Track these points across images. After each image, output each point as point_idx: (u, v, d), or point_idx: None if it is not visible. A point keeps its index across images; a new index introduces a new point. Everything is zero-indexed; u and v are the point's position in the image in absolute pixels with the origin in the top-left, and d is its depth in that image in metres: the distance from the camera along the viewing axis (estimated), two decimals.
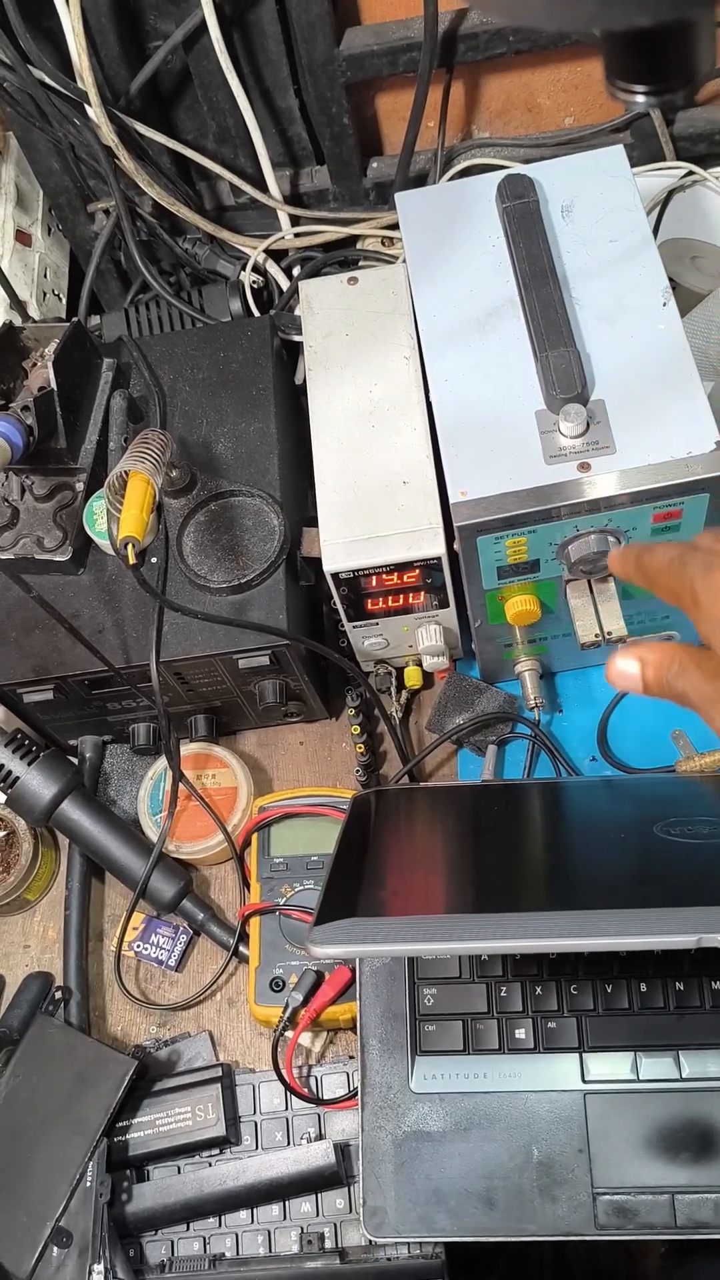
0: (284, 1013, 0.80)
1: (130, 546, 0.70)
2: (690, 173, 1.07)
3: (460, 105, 1.08)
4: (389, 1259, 0.76)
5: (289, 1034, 0.81)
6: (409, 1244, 0.77)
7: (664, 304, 0.79)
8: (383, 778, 0.94)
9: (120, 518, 0.72)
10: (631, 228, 0.83)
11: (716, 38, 0.34)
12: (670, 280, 0.86)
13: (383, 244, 1.07)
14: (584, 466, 0.74)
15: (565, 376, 0.75)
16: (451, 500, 0.75)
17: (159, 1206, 0.80)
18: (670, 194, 1.07)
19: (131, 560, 0.70)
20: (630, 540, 0.77)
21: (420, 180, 1.08)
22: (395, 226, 1.06)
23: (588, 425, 0.75)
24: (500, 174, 0.87)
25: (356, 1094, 0.80)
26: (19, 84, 0.93)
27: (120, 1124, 0.81)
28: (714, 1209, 0.69)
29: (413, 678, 0.93)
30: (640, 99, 0.36)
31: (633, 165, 0.89)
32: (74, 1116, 0.79)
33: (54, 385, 0.84)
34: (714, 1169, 0.70)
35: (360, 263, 1.07)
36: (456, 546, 0.77)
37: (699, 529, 0.77)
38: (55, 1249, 0.76)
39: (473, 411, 0.78)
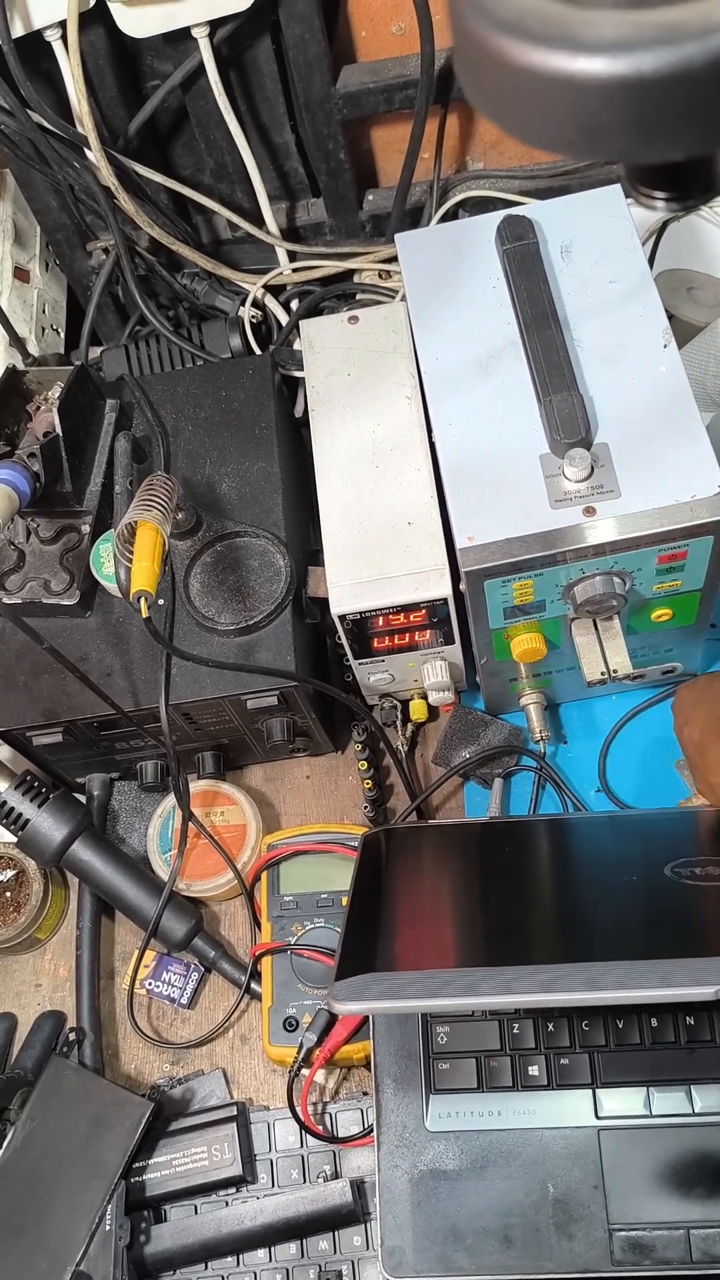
0: (299, 1053, 0.81)
1: (145, 600, 0.71)
2: None
3: (455, 138, 1.09)
4: None
5: (304, 1073, 0.81)
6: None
7: (664, 345, 0.80)
8: (390, 811, 0.95)
9: (131, 570, 0.72)
10: (630, 268, 0.84)
11: None
12: (667, 313, 0.87)
13: (380, 277, 1.08)
14: (589, 510, 0.75)
15: (569, 421, 0.76)
16: (458, 545, 0.75)
17: (177, 1247, 0.80)
18: (665, 224, 1.08)
19: (145, 614, 0.71)
20: (637, 580, 0.78)
21: (417, 212, 1.09)
22: (392, 260, 1.06)
23: (592, 469, 0.75)
24: (499, 214, 0.87)
25: (371, 1131, 0.81)
26: (18, 129, 0.94)
27: (137, 1165, 0.82)
28: None
29: (418, 711, 0.94)
30: (660, 204, 0.37)
31: (628, 196, 0.90)
32: (91, 1159, 0.80)
33: (59, 430, 0.85)
34: None
35: (358, 295, 1.08)
36: (462, 587, 0.78)
37: (703, 569, 0.78)
38: None
39: (477, 455, 0.79)
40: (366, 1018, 0.81)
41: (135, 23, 0.88)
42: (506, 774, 0.94)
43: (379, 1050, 0.78)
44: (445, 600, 0.82)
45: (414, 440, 0.87)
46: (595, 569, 0.76)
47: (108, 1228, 0.78)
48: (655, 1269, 0.70)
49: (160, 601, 0.86)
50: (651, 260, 1.07)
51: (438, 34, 0.94)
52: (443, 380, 0.83)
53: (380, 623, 0.84)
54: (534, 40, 0.27)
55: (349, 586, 0.82)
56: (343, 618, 0.82)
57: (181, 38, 0.92)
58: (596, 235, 0.86)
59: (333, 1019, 0.81)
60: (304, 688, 0.85)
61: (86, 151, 0.95)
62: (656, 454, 0.76)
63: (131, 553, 0.74)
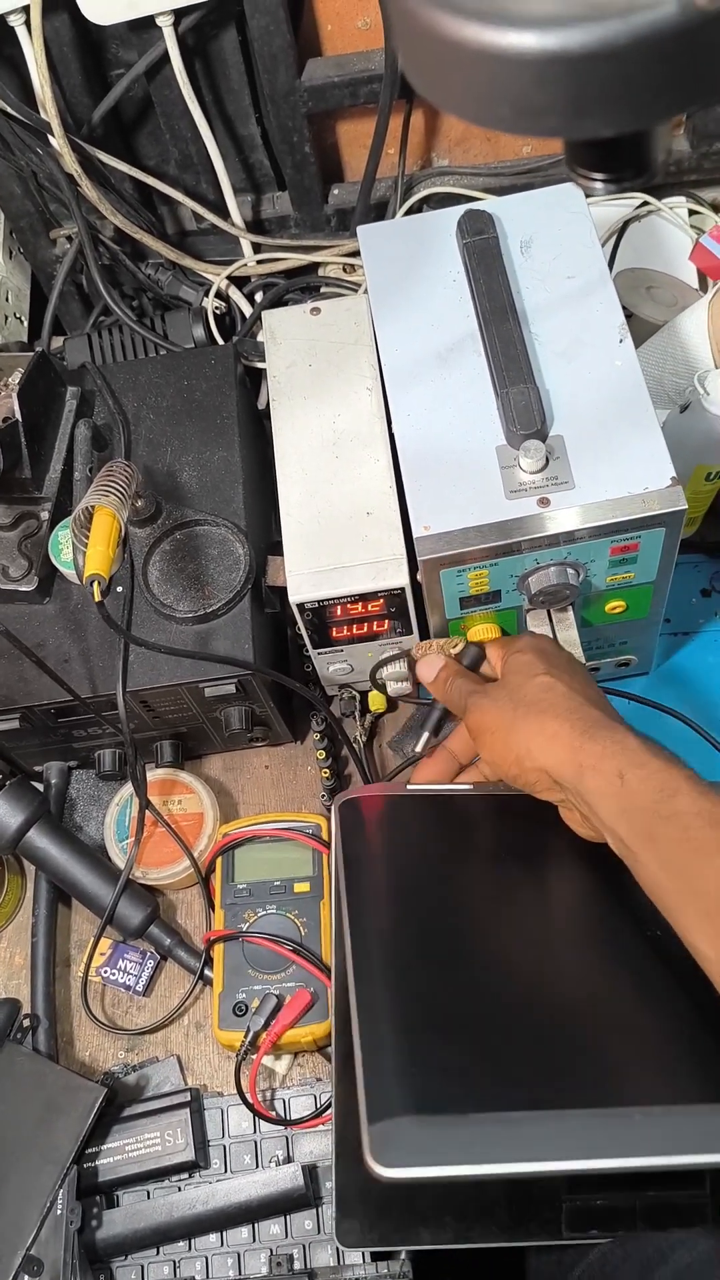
0: (246, 1037, 0.81)
1: (97, 584, 0.71)
2: (645, 203, 1.10)
3: (420, 134, 1.10)
4: (357, 1278, 0.78)
5: (252, 1057, 0.82)
6: (377, 1262, 0.78)
7: (620, 340, 0.81)
8: None
9: (87, 554, 0.73)
10: (589, 264, 0.85)
11: (670, 132, 0.36)
12: (626, 311, 0.88)
13: (344, 271, 1.09)
14: (544, 501, 0.76)
15: (525, 413, 0.77)
16: (415, 535, 0.76)
17: (129, 1232, 0.80)
18: (626, 224, 1.10)
19: (99, 598, 0.71)
20: (590, 571, 0.79)
21: (381, 207, 1.10)
22: (356, 254, 1.07)
23: (547, 461, 0.76)
24: (460, 208, 0.88)
25: (323, 1113, 0.82)
26: None
27: (90, 1150, 0.82)
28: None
29: (376, 702, 0.94)
30: (599, 185, 0.37)
31: (588, 195, 0.91)
32: (44, 1145, 0.80)
33: (19, 415, 0.85)
34: None
35: (322, 289, 1.08)
36: (420, 577, 0.79)
37: (655, 561, 0.79)
38: (26, 1278, 0.76)
39: (435, 446, 0.79)
40: (313, 1002, 0.82)
41: (99, 9, 0.88)
42: None
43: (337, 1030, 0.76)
44: (403, 590, 0.82)
45: (374, 431, 0.87)
46: (549, 560, 0.77)
47: (59, 1212, 0.78)
48: (604, 1236, 0.69)
49: (119, 589, 0.86)
50: (612, 260, 1.09)
51: None
52: (402, 372, 0.84)
53: (339, 612, 0.84)
54: (466, 14, 0.28)
55: (307, 575, 0.83)
56: (301, 606, 0.83)
57: (146, 26, 0.92)
58: (556, 231, 0.87)
59: (279, 1004, 0.82)
60: (262, 676, 0.85)
61: (50, 138, 0.95)
62: (611, 447, 0.77)
63: (88, 537, 0.75)
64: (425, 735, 0.80)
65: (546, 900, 0.75)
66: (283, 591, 0.84)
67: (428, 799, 0.78)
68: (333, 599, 0.82)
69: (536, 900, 0.74)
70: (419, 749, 0.82)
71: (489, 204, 0.89)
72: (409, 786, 0.79)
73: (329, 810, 0.93)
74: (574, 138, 0.31)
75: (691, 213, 1.12)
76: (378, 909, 0.68)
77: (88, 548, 0.73)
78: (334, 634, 0.87)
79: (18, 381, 0.86)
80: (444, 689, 0.79)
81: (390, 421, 0.83)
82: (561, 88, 0.29)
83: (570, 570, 0.78)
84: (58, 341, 1.10)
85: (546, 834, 0.73)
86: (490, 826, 0.78)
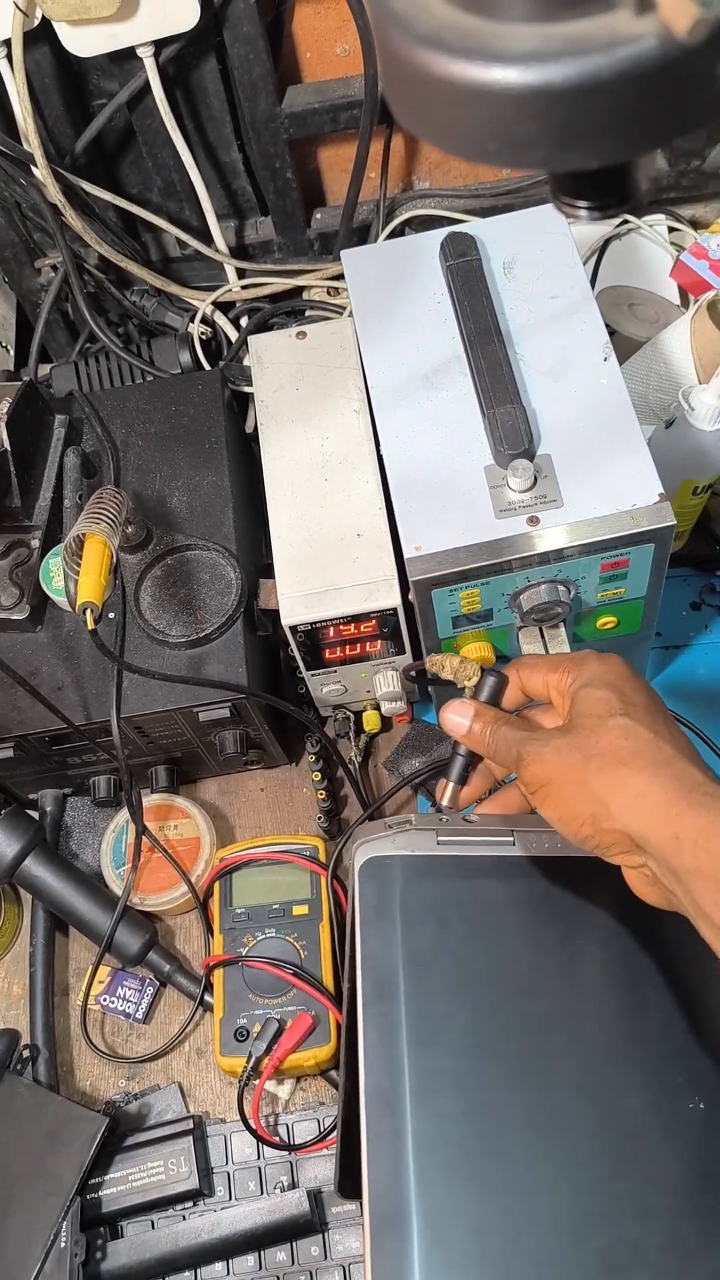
0: (248, 1062, 0.81)
1: (90, 612, 0.71)
2: (625, 221, 1.11)
3: (401, 157, 1.11)
4: None
5: (254, 1083, 0.81)
6: None
7: (605, 359, 0.82)
8: (344, 822, 0.95)
9: (79, 582, 0.73)
10: (572, 284, 0.86)
11: (654, 160, 0.36)
12: (609, 328, 0.89)
13: (328, 294, 1.09)
14: (533, 520, 0.76)
15: (512, 433, 0.77)
16: (406, 555, 0.76)
17: (134, 1263, 0.80)
18: (607, 243, 1.11)
19: (91, 625, 0.71)
20: (581, 588, 0.79)
21: (364, 231, 1.10)
22: (340, 277, 1.08)
23: (535, 480, 0.77)
24: (443, 231, 0.89)
25: (327, 1137, 0.81)
26: None
27: (93, 1181, 0.81)
28: None
29: (371, 722, 0.95)
30: (583, 213, 0.38)
31: (572, 222, 0.92)
32: (46, 1176, 0.79)
33: (7, 445, 0.85)
34: None
35: (307, 313, 1.09)
36: (411, 597, 0.79)
37: (645, 577, 0.80)
38: None
39: (423, 467, 0.80)
40: (314, 1025, 0.81)
41: (80, 42, 0.89)
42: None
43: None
44: (394, 610, 0.82)
45: (362, 453, 0.88)
46: (540, 577, 0.77)
47: (63, 1245, 0.77)
48: None
49: (111, 615, 0.86)
50: (594, 278, 1.10)
51: None
52: (389, 394, 0.84)
53: (331, 633, 0.84)
54: (451, 52, 0.28)
55: (299, 597, 0.83)
56: (294, 628, 0.83)
57: (127, 57, 0.93)
58: (538, 252, 0.88)
59: (281, 1028, 0.81)
60: (256, 700, 0.85)
61: (33, 168, 0.96)
62: (598, 464, 0.77)
63: (79, 565, 0.75)
64: (451, 787, 0.66)
65: (616, 1012, 0.64)
66: (275, 614, 0.84)
67: (464, 862, 0.67)
68: (325, 621, 0.83)
69: (604, 1014, 0.64)
70: (445, 803, 0.67)
71: (471, 226, 0.90)
72: (440, 840, 0.67)
73: (326, 833, 0.94)
74: (559, 169, 0.32)
75: (671, 230, 1.13)
76: (413, 1019, 0.61)
77: (80, 576, 0.73)
78: (327, 655, 0.87)
79: (5, 411, 0.86)
80: (484, 740, 0.64)
81: (378, 443, 0.84)
82: (546, 121, 0.29)
83: (561, 588, 0.78)
84: (44, 370, 1.11)
85: (608, 903, 0.64)
86: (537, 895, 0.66)
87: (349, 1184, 0.79)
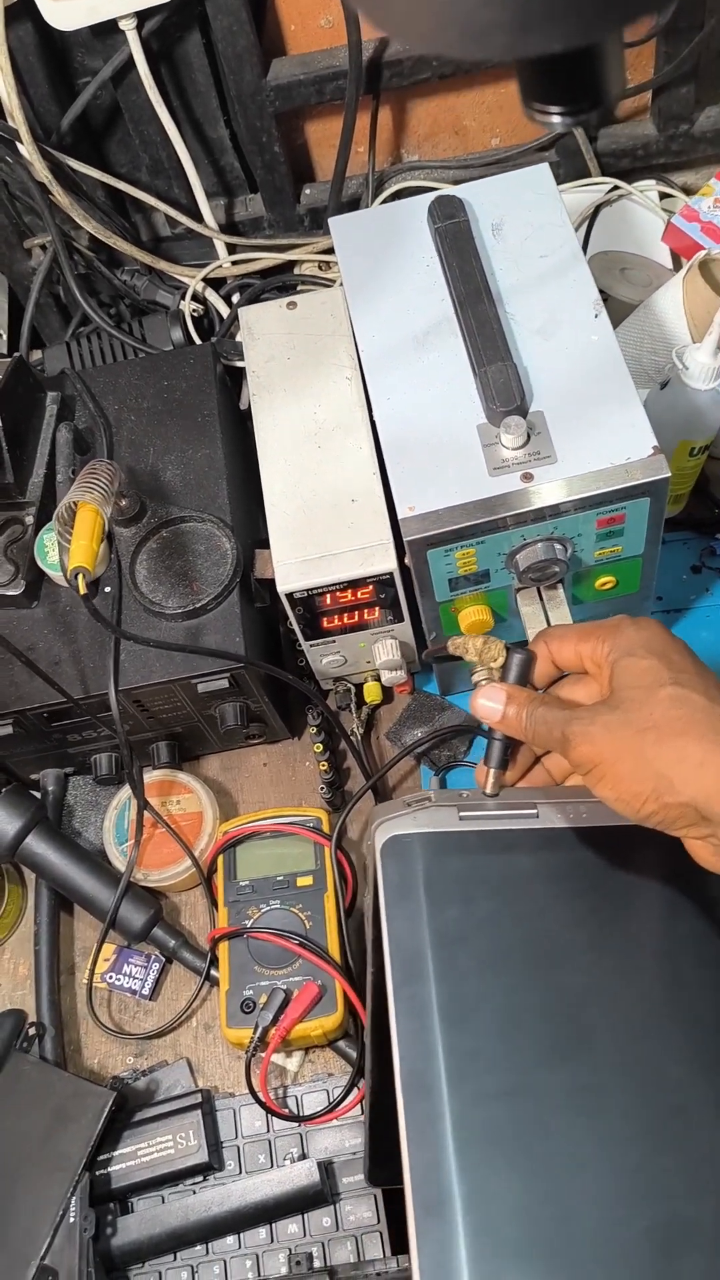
0: (255, 1033, 0.80)
1: (81, 576, 0.71)
2: (615, 187, 1.10)
3: (389, 130, 1.10)
4: (379, 1274, 0.76)
5: (261, 1054, 0.81)
6: (398, 1255, 0.77)
7: (596, 315, 0.81)
8: (347, 794, 0.95)
9: (70, 548, 0.72)
10: (561, 243, 0.85)
11: (624, 61, 0.36)
12: (602, 293, 0.88)
13: (319, 268, 1.09)
14: (527, 476, 0.75)
15: (504, 390, 0.77)
16: (400, 516, 0.76)
17: (144, 1238, 0.79)
18: (597, 209, 1.10)
19: (83, 590, 0.71)
20: (578, 546, 0.78)
21: (353, 205, 1.10)
22: (331, 251, 1.07)
23: (528, 436, 0.76)
24: (430, 195, 0.88)
25: (336, 1108, 0.81)
26: None
27: (101, 1157, 0.81)
28: None
29: (372, 693, 0.94)
30: (556, 119, 0.37)
31: (559, 182, 0.92)
32: (54, 1152, 0.79)
33: None
34: None
35: (298, 287, 1.09)
36: (408, 561, 0.78)
37: (642, 534, 0.79)
38: None
39: (416, 428, 0.79)
40: (321, 995, 0.81)
41: (61, 15, 0.89)
42: (445, 768, 0.94)
43: None
44: (391, 574, 0.82)
45: (355, 420, 0.87)
46: (536, 535, 0.77)
47: (71, 1220, 0.76)
48: None
49: (107, 589, 0.86)
50: (585, 244, 1.09)
51: (365, 26, 0.95)
52: (380, 358, 0.84)
53: (328, 600, 0.84)
54: None
55: (295, 565, 0.82)
56: (290, 596, 0.83)
57: (110, 31, 0.93)
58: (526, 213, 0.87)
59: (287, 998, 0.81)
60: (255, 670, 0.85)
61: (19, 146, 0.95)
62: (591, 420, 0.77)
63: (71, 534, 0.74)
64: (492, 773, 0.63)
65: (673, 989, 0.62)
66: (271, 584, 0.84)
67: (488, 836, 0.64)
68: (322, 587, 0.82)
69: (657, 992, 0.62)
70: (488, 790, 0.63)
71: (459, 189, 0.89)
72: (462, 816, 0.63)
73: (329, 805, 0.93)
74: (522, 55, 0.31)
75: (662, 196, 1.12)
76: (445, 999, 0.58)
77: (71, 543, 0.73)
78: (325, 624, 0.86)
79: None
80: (522, 725, 0.60)
81: (370, 407, 0.83)
82: (505, 5, 0.29)
83: (558, 545, 0.78)
84: (37, 355, 1.10)
85: (639, 870, 0.62)
86: (565, 867, 0.63)
87: (379, 1172, 0.78)
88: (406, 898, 0.61)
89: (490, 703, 0.61)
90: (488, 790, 0.63)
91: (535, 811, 0.63)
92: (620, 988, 0.61)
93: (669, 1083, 0.59)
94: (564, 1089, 0.58)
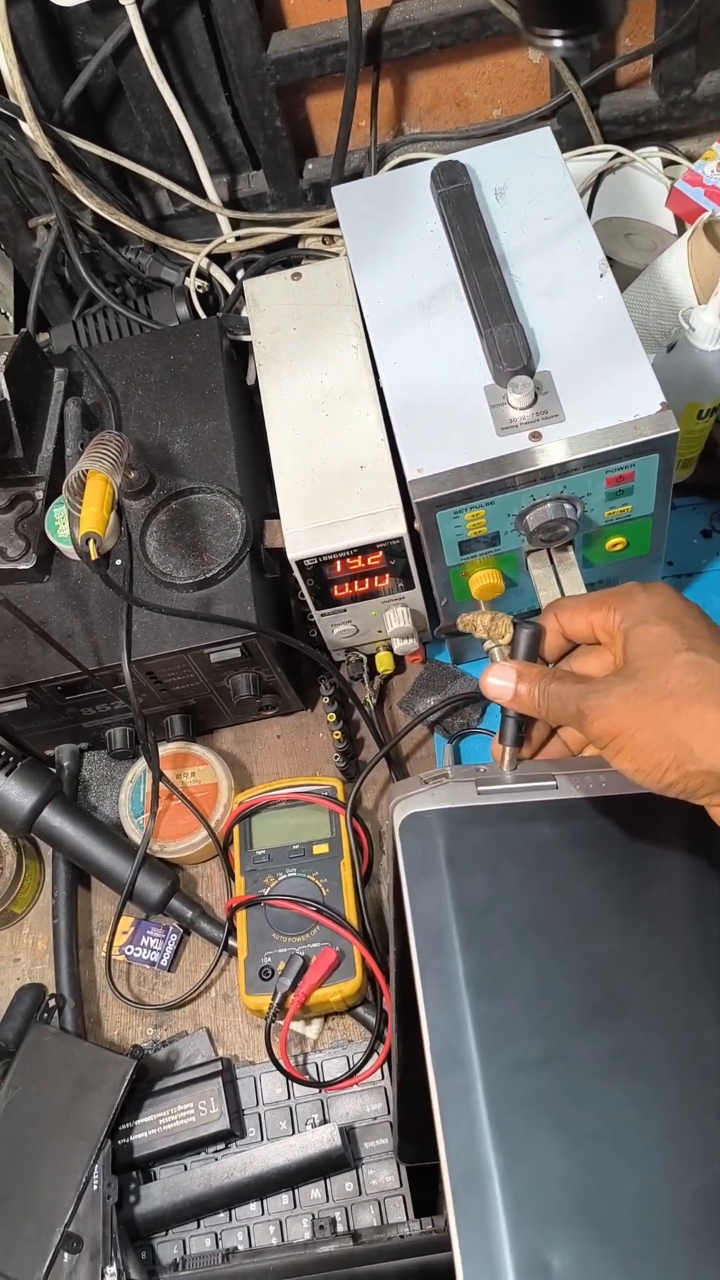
0: (273, 1000, 0.80)
1: (92, 543, 0.71)
2: (618, 154, 1.10)
3: (390, 103, 1.10)
4: (402, 1236, 0.77)
5: (280, 1021, 0.81)
6: (420, 1219, 0.77)
7: (601, 275, 0.81)
8: (361, 764, 0.95)
9: (80, 516, 0.73)
10: (564, 205, 0.85)
11: None
12: (607, 258, 0.88)
13: (323, 242, 1.09)
14: (535, 436, 0.75)
15: (510, 350, 0.77)
16: (408, 478, 0.76)
17: (168, 1205, 0.79)
18: (600, 176, 1.10)
19: (94, 555, 0.71)
20: (587, 506, 0.78)
21: (356, 179, 1.10)
22: (334, 225, 1.07)
23: (535, 396, 0.76)
24: (433, 161, 0.88)
25: (357, 1074, 0.81)
26: None
27: (124, 1126, 0.81)
28: None
29: (384, 663, 0.94)
30: (557, 43, 0.37)
31: (562, 151, 0.91)
32: (76, 1121, 0.79)
33: (6, 395, 0.85)
34: None
35: (302, 261, 1.09)
36: (417, 525, 0.78)
37: (651, 492, 0.79)
38: (66, 1255, 0.75)
39: (423, 391, 0.79)
40: (339, 961, 0.81)
41: None
42: (458, 736, 0.94)
43: None
44: (401, 539, 0.82)
45: (362, 387, 0.87)
46: (545, 495, 0.77)
47: (95, 1188, 0.77)
48: None
49: (119, 562, 0.86)
50: (589, 211, 1.09)
51: None
52: (386, 323, 0.83)
53: (338, 568, 0.84)
54: None
55: (305, 532, 0.82)
56: (300, 564, 0.83)
57: (110, 8, 0.93)
58: (529, 176, 0.87)
59: (305, 964, 0.81)
60: (267, 640, 0.85)
61: (22, 124, 0.96)
62: (598, 378, 0.77)
63: (81, 503, 0.74)
64: (508, 751, 0.62)
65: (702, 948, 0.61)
66: (282, 554, 0.84)
67: (507, 810, 0.63)
68: (331, 554, 0.82)
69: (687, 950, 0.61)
70: (505, 768, 0.62)
71: (461, 155, 0.89)
72: (480, 790, 0.62)
73: (344, 774, 0.93)
74: None
75: (666, 162, 1.12)
76: (473, 970, 0.58)
77: (81, 510, 0.73)
78: (335, 592, 0.86)
79: (3, 362, 0.86)
80: (535, 702, 0.59)
81: (377, 373, 0.83)
82: None
83: (567, 505, 0.77)
84: (44, 337, 1.11)
85: (663, 835, 0.61)
86: (589, 834, 0.62)
87: (409, 1148, 0.78)
88: (429, 873, 0.60)
89: (501, 681, 0.60)
90: (504, 769, 0.63)
91: (554, 783, 0.62)
92: (651, 951, 0.60)
93: (707, 1044, 0.58)
94: (599, 1054, 0.57)
